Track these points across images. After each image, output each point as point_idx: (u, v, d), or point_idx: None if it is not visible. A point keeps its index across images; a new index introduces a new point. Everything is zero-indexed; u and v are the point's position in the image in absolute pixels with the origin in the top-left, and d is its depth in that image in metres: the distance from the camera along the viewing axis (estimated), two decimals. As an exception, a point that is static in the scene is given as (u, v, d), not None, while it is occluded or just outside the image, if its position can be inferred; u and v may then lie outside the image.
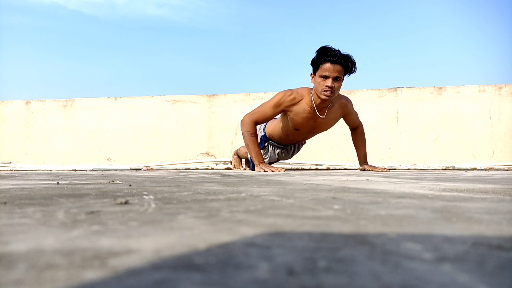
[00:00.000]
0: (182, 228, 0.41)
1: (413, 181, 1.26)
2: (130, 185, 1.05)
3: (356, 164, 3.30)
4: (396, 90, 3.78)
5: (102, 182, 1.23)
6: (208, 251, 0.32)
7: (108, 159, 4.06)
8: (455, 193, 0.79)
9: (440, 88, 3.71)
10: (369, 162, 2.98)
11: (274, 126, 2.60)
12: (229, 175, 1.78)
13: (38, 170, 3.49)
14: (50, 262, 0.28)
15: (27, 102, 4.25)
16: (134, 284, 0.24)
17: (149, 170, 3.25)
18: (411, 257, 0.30)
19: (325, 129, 2.56)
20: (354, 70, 2.25)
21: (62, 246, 0.33)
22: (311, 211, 0.54)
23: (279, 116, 2.52)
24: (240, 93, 4.01)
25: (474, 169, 3.20)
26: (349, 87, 3.83)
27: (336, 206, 0.59)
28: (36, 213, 0.51)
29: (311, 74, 2.29)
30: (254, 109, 2.43)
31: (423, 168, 3.30)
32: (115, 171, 2.87)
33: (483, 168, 3.27)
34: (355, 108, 2.61)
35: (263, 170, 2.20)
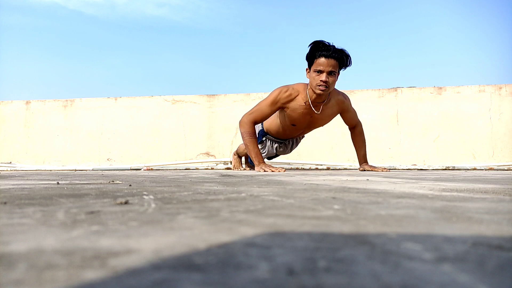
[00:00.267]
0: (182, 228, 0.41)
1: (413, 181, 1.26)
2: (130, 185, 1.05)
3: (356, 164, 3.30)
4: (396, 90, 3.78)
5: (102, 182, 1.23)
6: (208, 251, 0.32)
7: (108, 159, 4.06)
8: (455, 193, 0.79)
9: (440, 88, 3.71)
10: (369, 162, 2.98)
11: (271, 121, 2.60)
12: (229, 175, 1.78)
13: (38, 170, 3.49)
14: (50, 262, 0.28)
15: (27, 102, 4.25)
16: (134, 284, 0.24)
17: (149, 170, 3.25)
18: (411, 257, 0.30)
19: (322, 125, 2.55)
20: (349, 64, 2.25)
21: (62, 246, 0.33)
22: (311, 211, 0.54)
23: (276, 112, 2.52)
24: (240, 93, 4.01)
25: (474, 169, 3.20)
26: (349, 87, 3.83)
27: (336, 206, 0.59)
28: (36, 213, 0.51)
29: (307, 69, 2.28)
30: (252, 109, 2.42)
31: (423, 168, 3.30)
32: (115, 171, 2.87)
33: (483, 168, 3.27)
34: (355, 108, 2.61)
35: (263, 170, 2.20)
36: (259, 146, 2.70)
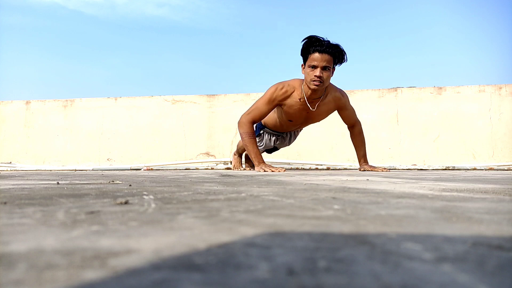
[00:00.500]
0: (182, 228, 0.41)
1: (413, 181, 1.26)
2: (130, 185, 1.05)
3: (356, 164, 3.30)
4: (396, 90, 3.78)
5: (102, 182, 1.23)
6: (208, 251, 0.32)
7: (108, 159, 4.06)
8: (455, 193, 0.79)
9: (440, 88, 3.71)
10: (369, 162, 2.98)
11: (268, 116, 2.60)
12: (229, 175, 1.78)
13: (38, 170, 3.49)
14: (50, 262, 0.28)
15: (27, 102, 4.25)
16: (134, 284, 0.24)
17: (149, 170, 3.25)
18: (411, 257, 0.30)
19: (319, 120, 2.55)
20: (344, 60, 2.24)
21: (62, 246, 0.33)
22: (311, 211, 0.54)
23: None
24: (240, 93, 4.01)
25: (474, 169, 3.20)
26: (349, 87, 3.83)
27: (336, 206, 0.59)
28: (36, 213, 0.51)
29: (302, 65, 2.28)
30: (249, 108, 2.43)
31: (423, 168, 3.30)
32: (115, 171, 2.87)
33: (483, 168, 3.26)
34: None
35: (263, 170, 2.20)
36: (257, 139, 2.70)
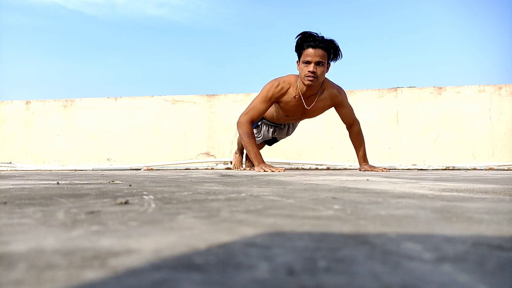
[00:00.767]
0: (182, 228, 0.41)
1: (413, 181, 1.26)
2: (130, 185, 1.05)
3: (356, 164, 3.30)
4: (396, 90, 3.78)
5: (102, 182, 1.23)
6: (208, 251, 0.32)
7: (108, 159, 4.06)
8: (455, 193, 0.79)
9: (440, 88, 3.71)
10: (369, 162, 2.98)
11: None
12: (229, 175, 1.78)
13: (38, 170, 3.49)
14: (50, 262, 0.28)
15: (27, 102, 4.25)
16: (134, 284, 0.24)
17: (149, 170, 3.25)
18: (411, 257, 0.30)
19: (315, 115, 2.55)
20: (339, 55, 2.23)
21: (62, 246, 0.33)
22: (311, 211, 0.54)
23: None
24: (240, 93, 4.01)
25: (474, 169, 3.20)
26: (349, 87, 3.83)
27: (336, 206, 0.59)
28: (36, 213, 0.51)
29: (297, 62, 2.28)
30: (247, 108, 2.43)
31: (423, 168, 3.30)
32: (115, 171, 2.87)
33: (483, 168, 3.26)
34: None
35: (263, 170, 2.20)
36: (255, 131, 2.71)
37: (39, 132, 4.18)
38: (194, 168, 3.66)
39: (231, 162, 3.54)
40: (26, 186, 1.05)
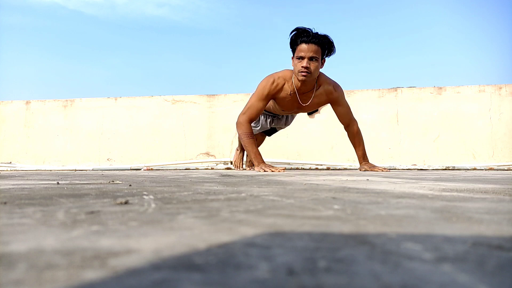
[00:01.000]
0: (182, 228, 0.41)
1: (413, 181, 1.26)
2: (130, 185, 1.05)
3: (356, 164, 3.30)
4: (396, 90, 3.78)
5: (102, 182, 1.23)
6: (208, 251, 0.32)
7: (108, 159, 4.06)
8: (455, 193, 0.79)
9: (440, 88, 3.71)
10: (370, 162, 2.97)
11: None
12: (229, 175, 1.78)
13: (38, 170, 3.49)
14: (50, 262, 0.28)
15: (27, 102, 4.25)
16: (134, 284, 0.24)
17: (149, 170, 3.25)
18: (411, 257, 0.30)
19: (310, 110, 2.56)
20: (332, 50, 2.23)
21: (62, 246, 0.33)
22: (311, 211, 0.54)
23: None
24: (240, 93, 4.01)
25: (474, 169, 3.20)
26: (349, 87, 3.83)
27: (336, 206, 0.59)
28: (36, 213, 0.51)
29: (292, 58, 2.28)
30: (244, 108, 2.43)
31: (423, 168, 3.30)
32: (115, 171, 2.87)
33: (483, 168, 3.26)
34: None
35: (263, 170, 2.20)
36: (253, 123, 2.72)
37: (39, 132, 4.18)
38: (194, 168, 3.66)
39: (231, 162, 3.54)
40: (26, 186, 1.05)
